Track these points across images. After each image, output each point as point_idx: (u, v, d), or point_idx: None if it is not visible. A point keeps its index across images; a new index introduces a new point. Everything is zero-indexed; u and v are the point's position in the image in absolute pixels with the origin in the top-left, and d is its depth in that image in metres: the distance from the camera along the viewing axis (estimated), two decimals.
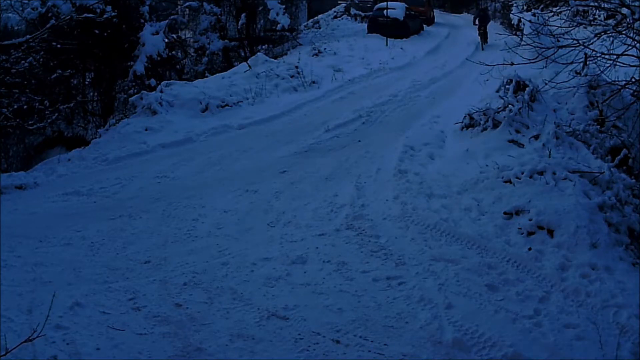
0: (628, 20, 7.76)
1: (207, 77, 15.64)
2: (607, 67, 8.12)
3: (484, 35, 20.58)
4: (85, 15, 13.75)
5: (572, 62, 8.25)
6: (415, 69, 16.14)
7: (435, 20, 27.04)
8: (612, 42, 8.16)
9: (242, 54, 20.19)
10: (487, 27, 20.58)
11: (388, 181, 8.04)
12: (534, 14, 17.17)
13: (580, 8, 12.47)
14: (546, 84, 9.26)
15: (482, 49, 19.81)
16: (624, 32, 7.76)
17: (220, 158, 9.56)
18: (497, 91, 10.62)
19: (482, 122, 9.30)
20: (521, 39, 10.70)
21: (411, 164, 8.55)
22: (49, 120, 14.21)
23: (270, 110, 12.09)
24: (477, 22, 20.90)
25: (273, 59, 15.74)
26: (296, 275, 5.89)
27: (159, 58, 16.55)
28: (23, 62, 13.19)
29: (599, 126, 8.75)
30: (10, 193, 8.31)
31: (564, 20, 9.14)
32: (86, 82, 17.11)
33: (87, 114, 16.64)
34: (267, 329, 5.07)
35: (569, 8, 9.46)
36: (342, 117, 11.48)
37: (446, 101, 12.60)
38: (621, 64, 7.86)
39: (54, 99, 14.99)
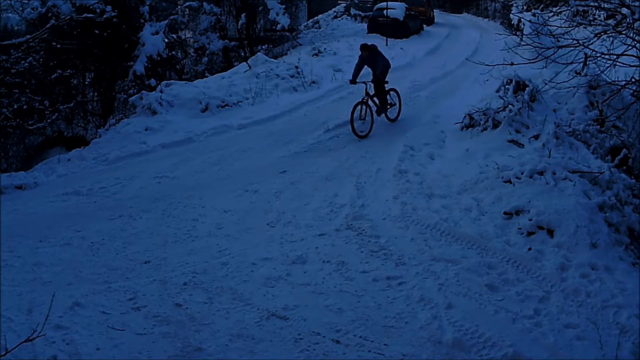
0: (628, 20, 7.76)
1: (207, 77, 15.62)
2: (607, 67, 8.13)
3: (382, 108, 10.32)
4: (85, 15, 13.75)
5: (572, 62, 8.26)
6: (415, 69, 16.10)
7: (435, 21, 27.02)
8: (612, 42, 8.17)
9: (242, 54, 20.18)
10: (385, 80, 10.32)
11: (388, 181, 8.05)
12: (534, 14, 17.20)
13: (580, 8, 12.48)
14: (546, 84, 9.26)
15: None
16: (624, 32, 7.77)
17: (220, 158, 9.55)
18: (497, 91, 10.62)
19: (482, 122, 9.32)
20: (521, 39, 10.70)
21: (411, 164, 8.56)
22: (49, 120, 14.22)
23: (270, 110, 12.08)
24: (360, 71, 10.35)
25: (273, 59, 15.71)
26: (296, 275, 5.90)
27: (159, 58, 16.53)
28: (23, 62, 13.19)
29: (599, 126, 8.76)
30: (10, 193, 8.31)
31: (564, 20, 9.16)
32: (86, 82, 17.10)
33: (87, 114, 16.64)
34: (267, 329, 5.08)
35: (569, 8, 9.48)
36: (342, 117, 11.45)
37: (446, 101, 12.57)
38: (621, 64, 7.87)
39: (54, 99, 15.01)
